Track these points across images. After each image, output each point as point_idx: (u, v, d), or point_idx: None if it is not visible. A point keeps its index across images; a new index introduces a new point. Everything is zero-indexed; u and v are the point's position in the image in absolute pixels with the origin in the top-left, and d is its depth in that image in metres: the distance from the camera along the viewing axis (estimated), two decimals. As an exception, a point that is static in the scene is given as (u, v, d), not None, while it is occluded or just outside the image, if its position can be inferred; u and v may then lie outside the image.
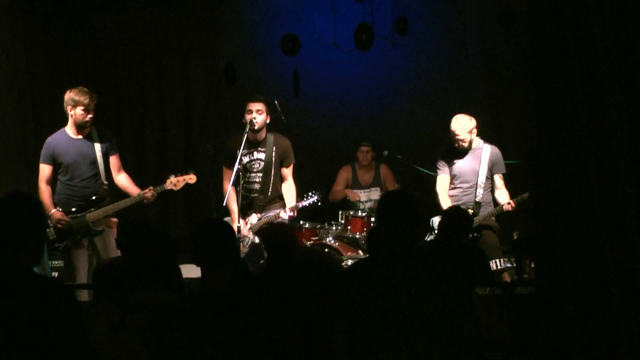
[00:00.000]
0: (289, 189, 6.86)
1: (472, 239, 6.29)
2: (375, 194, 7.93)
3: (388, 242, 3.55)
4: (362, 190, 8.01)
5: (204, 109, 8.77)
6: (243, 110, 6.74)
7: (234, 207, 6.59)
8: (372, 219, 7.28)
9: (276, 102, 6.98)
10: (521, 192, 6.65)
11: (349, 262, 6.67)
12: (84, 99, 6.29)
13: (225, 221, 3.89)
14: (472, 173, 6.85)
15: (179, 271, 4.21)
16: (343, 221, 7.47)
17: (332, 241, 7.25)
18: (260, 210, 6.78)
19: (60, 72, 8.44)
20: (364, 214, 7.45)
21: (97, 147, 6.44)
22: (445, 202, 6.83)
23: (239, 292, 3.50)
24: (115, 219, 6.44)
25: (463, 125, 6.77)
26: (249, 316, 3.40)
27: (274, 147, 6.80)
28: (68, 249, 6.36)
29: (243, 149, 6.55)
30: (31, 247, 3.01)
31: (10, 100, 7.77)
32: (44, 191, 6.35)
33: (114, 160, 6.54)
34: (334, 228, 7.43)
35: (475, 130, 6.84)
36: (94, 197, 6.40)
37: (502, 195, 6.81)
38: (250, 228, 6.68)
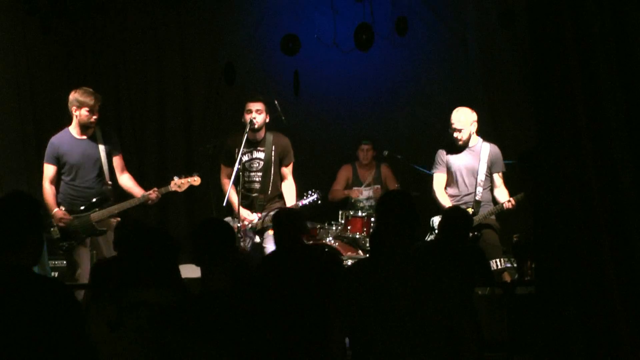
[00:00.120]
0: (288, 188, 6.87)
1: (472, 238, 6.28)
2: (376, 191, 7.92)
3: (387, 242, 3.55)
4: (364, 187, 7.99)
5: (204, 109, 8.77)
6: (243, 110, 6.75)
7: (235, 200, 6.62)
8: (372, 219, 7.28)
9: (276, 102, 6.99)
10: (520, 191, 6.64)
11: (349, 262, 6.67)
12: (90, 100, 6.31)
13: (225, 221, 3.89)
14: (472, 172, 6.84)
15: (177, 270, 4.21)
16: (343, 221, 7.48)
17: (332, 241, 7.26)
18: (260, 209, 6.79)
19: (60, 72, 8.44)
20: (364, 214, 7.45)
21: (101, 147, 6.46)
22: (443, 200, 6.83)
23: (239, 292, 3.50)
24: (115, 220, 6.46)
25: (462, 116, 6.77)
26: (249, 316, 3.40)
27: (274, 146, 6.81)
28: (72, 248, 6.37)
29: (243, 149, 6.56)
30: (31, 247, 3.02)
31: (10, 100, 7.78)
32: (48, 191, 6.38)
33: (117, 161, 6.57)
34: (334, 228, 7.44)
35: (475, 125, 6.82)
36: (98, 197, 6.42)
37: (502, 194, 6.81)
38: (251, 228, 6.69)
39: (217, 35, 8.69)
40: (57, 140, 6.44)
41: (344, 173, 8.16)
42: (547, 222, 3.50)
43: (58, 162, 6.39)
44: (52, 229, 6.33)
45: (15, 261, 2.97)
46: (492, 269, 6.20)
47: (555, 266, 3.42)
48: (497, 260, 6.54)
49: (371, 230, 7.31)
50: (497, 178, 6.87)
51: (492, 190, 6.88)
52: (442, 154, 6.99)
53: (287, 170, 6.88)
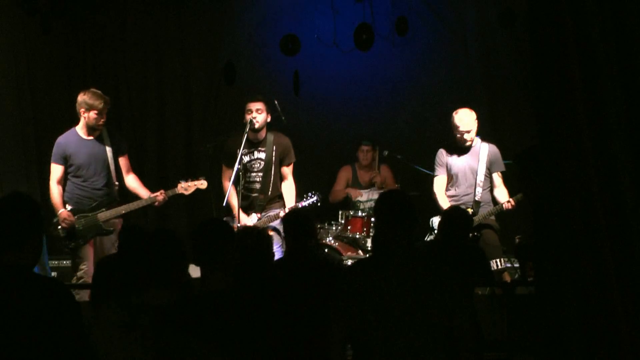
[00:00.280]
0: (288, 188, 6.86)
1: (472, 238, 6.28)
2: (376, 193, 7.92)
3: (386, 242, 3.55)
4: (364, 190, 7.99)
5: (204, 109, 8.77)
6: (243, 110, 6.74)
7: (235, 203, 6.61)
8: (372, 219, 7.28)
9: (276, 102, 6.99)
10: (519, 192, 6.63)
11: (349, 262, 6.67)
12: (99, 104, 6.36)
13: (225, 221, 3.89)
14: (471, 172, 6.84)
15: (186, 271, 4.20)
16: (343, 221, 7.47)
17: (332, 241, 7.25)
18: (260, 210, 6.78)
19: (60, 72, 8.44)
20: (364, 214, 7.45)
21: (108, 148, 6.52)
22: (444, 203, 6.82)
23: (239, 292, 3.50)
24: (119, 221, 6.50)
25: (466, 117, 6.78)
26: (249, 316, 3.40)
27: (274, 146, 6.80)
28: (78, 247, 6.39)
29: (243, 149, 6.56)
30: (30, 247, 3.02)
31: (10, 100, 7.78)
32: (55, 191, 6.41)
33: (123, 161, 6.62)
34: (334, 228, 7.43)
35: (476, 122, 6.84)
36: (105, 197, 6.44)
37: (501, 194, 6.81)
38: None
39: (217, 35, 8.69)
40: (64, 140, 6.46)
41: (344, 174, 8.16)
42: (547, 222, 3.50)
43: (65, 162, 6.42)
44: (58, 228, 6.35)
45: (15, 261, 2.97)
46: (492, 269, 6.20)
47: (555, 266, 3.42)
48: (497, 260, 6.54)
49: (371, 230, 7.31)
50: (497, 178, 6.87)
51: (491, 191, 6.88)
52: (442, 154, 6.99)
53: (288, 170, 6.88)
